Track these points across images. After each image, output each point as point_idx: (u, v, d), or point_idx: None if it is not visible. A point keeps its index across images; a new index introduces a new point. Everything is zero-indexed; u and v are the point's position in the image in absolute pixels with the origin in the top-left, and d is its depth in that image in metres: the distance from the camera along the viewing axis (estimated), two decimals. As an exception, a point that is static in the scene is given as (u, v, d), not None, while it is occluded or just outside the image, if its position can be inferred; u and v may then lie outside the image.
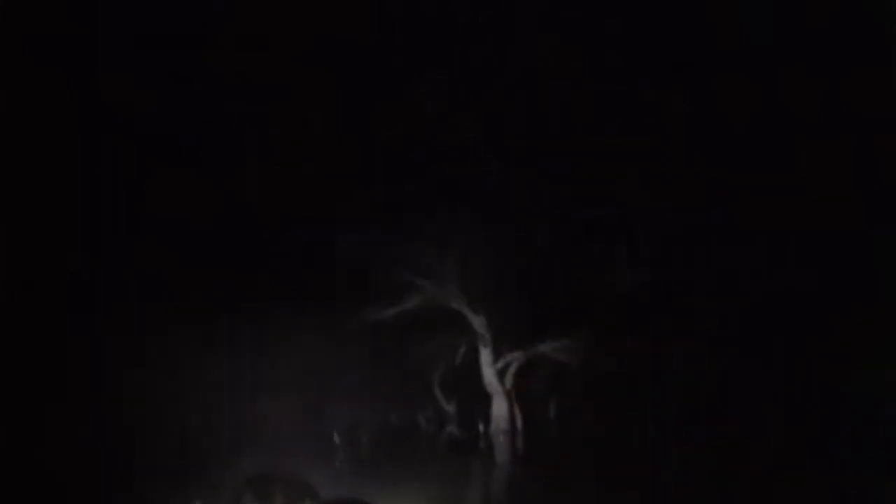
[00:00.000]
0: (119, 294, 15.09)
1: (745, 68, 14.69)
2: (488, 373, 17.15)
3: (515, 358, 17.09)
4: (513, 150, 15.33)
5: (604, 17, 14.77)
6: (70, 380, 14.82)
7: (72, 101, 14.99)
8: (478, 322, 16.89)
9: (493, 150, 15.25)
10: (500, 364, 17.10)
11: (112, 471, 14.04)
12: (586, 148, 15.15)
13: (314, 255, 15.67)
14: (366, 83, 15.23)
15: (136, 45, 15.02)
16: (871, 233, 14.22)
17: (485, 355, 17.12)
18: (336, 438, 16.35)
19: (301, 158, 15.30)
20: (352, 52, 15.17)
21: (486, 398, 17.28)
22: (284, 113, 15.23)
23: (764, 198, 14.96)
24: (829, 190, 14.68)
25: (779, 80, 14.68)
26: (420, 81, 15.09)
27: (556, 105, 15.22)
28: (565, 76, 15.01)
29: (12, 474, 13.15)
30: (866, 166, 14.31)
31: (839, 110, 14.39)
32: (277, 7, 15.02)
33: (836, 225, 14.70)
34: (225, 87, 15.10)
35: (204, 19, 14.87)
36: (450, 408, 17.76)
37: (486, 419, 17.27)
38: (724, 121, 14.89)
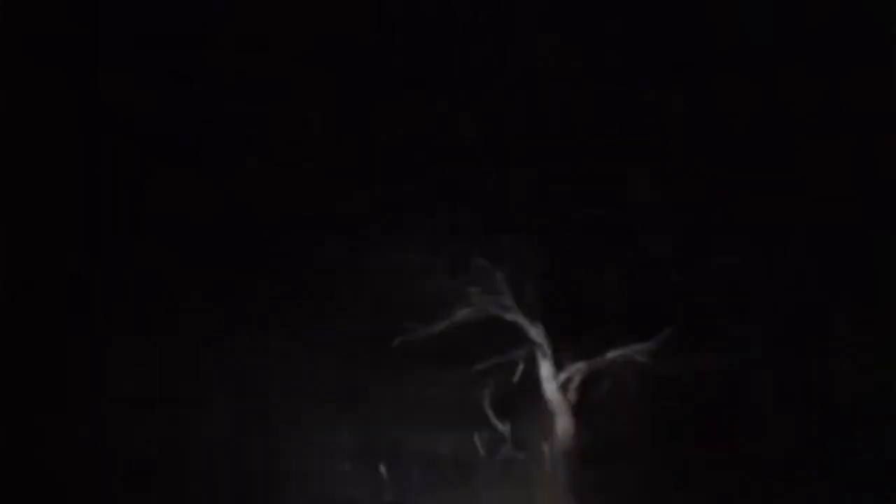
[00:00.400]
0: (119, 294, 15.08)
1: (745, 68, 14.68)
2: (549, 387, 15.46)
3: (579, 369, 15.43)
4: (513, 150, 15.30)
5: (604, 17, 14.77)
6: (69, 380, 14.80)
7: (72, 101, 14.99)
8: (535, 332, 15.39)
9: (493, 150, 15.21)
10: (562, 377, 15.45)
11: (112, 471, 14.06)
12: (586, 148, 15.13)
13: (339, 262, 15.08)
14: (366, 83, 15.22)
15: (136, 45, 15.03)
16: (872, 233, 14.22)
17: (545, 368, 15.44)
18: (383, 470, 14.70)
19: (301, 158, 15.30)
20: (352, 52, 15.16)
21: (544, 416, 15.59)
22: (284, 113, 15.22)
23: (763, 198, 14.94)
24: (829, 190, 14.66)
25: (779, 80, 14.66)
26: (420, 81, 15.06)
27: (557, 105, 15.20)
28: (565, 76, 15.00)
29: (12, 475, 13.17)
30: (866, 166, 14.30)
31: (839, 110, 14.38)
32: (277, 7, 15.02)
33: (835, 225, 14.67)
34: (225, 87, 15.10)
35: (204, 19, 14.87)
36: (505, 428, 15.75)
37: (551, 439, 15.58)
38: (724, 121, 14.87)
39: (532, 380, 15.39)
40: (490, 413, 15.57)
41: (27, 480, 13.52)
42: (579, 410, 15.32)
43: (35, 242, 14.77)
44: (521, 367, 15.30)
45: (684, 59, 14.84)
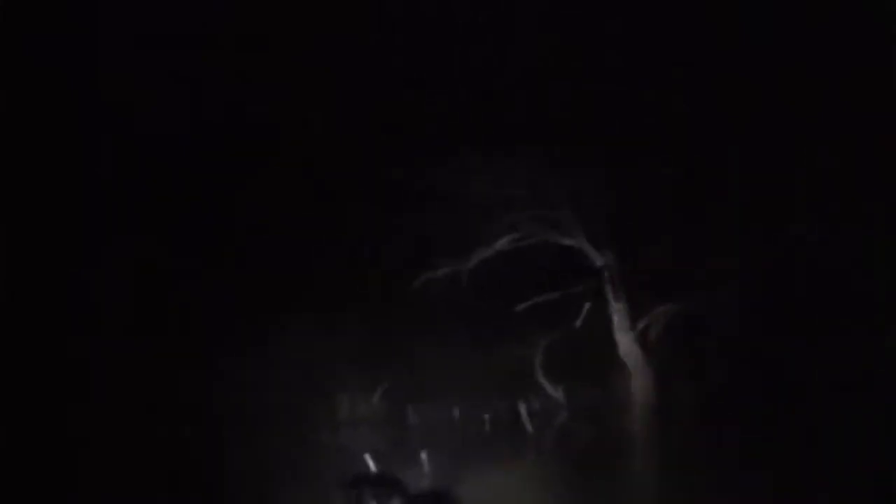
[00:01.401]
0: (119, 294, 15.11)
1: (745, 68, 14.69)
2: (625, 339, 11.87)
3: (663, 313, 11.94)
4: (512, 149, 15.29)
5: (604, 17, 14.77)
6: (69, 381, 14.83)
7: (72, 101, 15.01)
8: (605, 262, 11.78)
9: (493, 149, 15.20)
10: (641, 324, 11.87)
11: (113, 471, 14.05)
12: (586, 147, 15.12)
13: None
14: (366, 83, 15.23)
15: (136, 45, 15.06)
16: (871, 233, 14.23)
17: (618, 313, 11.94)
18: (369, 460, 11.12)
19: (301, 158, 15.32)
20: (352, 52, 15.18)
21: (616, 376, 11.87)
22: (284, 113, 15.24)
23: (763, 198, 14.96)
24: (829, 189, 14.68)
25: (779, 80, 14.68)
26: (420, 81, 15.07)
27: (557, 105, 15.20)
28: (565, 76, 15.00)
29: (12, 475, 13.18)
30: (866, 166, 14.32)
31: (839, 110, 14.39)
32: (277, 7, 15.04)
33: (835, 224, 14.69)
34: (225, 87, 15.13)
35: (204, 19, 14.89)
36: (558, 394, 12.10)
37: (624, 406, 12.02)
38: (724, 121, 14.88)
39: (593, 326, 11.78)
40: (542, 378, 11.98)
41: (28, 480, 13.54)
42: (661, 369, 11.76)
43: (35, 242, 14.79)
44: (586, 306, 11.86)
45: (684, 59, 14.84)
